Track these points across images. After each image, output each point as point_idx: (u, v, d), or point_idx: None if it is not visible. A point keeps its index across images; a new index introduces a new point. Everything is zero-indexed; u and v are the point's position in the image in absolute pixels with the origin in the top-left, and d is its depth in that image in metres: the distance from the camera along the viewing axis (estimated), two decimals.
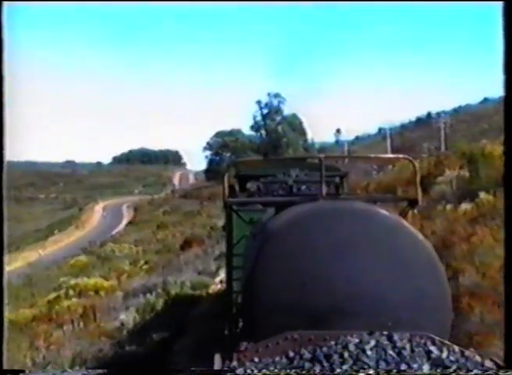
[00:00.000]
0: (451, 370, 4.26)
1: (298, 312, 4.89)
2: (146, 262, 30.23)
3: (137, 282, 23.61)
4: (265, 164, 10.44)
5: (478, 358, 4.48)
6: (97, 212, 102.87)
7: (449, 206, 17.45)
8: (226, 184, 6.12)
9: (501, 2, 4.71)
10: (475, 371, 4.24)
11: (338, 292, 4.91)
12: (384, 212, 5.29)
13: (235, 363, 4.53)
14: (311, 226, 5.12)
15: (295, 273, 4.97)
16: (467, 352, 4.52)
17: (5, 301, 4.85)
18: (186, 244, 32.00)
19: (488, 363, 4.41)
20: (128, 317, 15.92)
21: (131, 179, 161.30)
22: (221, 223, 37.12)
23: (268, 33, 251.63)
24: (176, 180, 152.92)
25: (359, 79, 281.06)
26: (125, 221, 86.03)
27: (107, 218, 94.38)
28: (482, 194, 16.00)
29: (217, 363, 4.67)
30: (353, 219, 5.16)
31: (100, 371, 7.69)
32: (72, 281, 24.45)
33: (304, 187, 8.08)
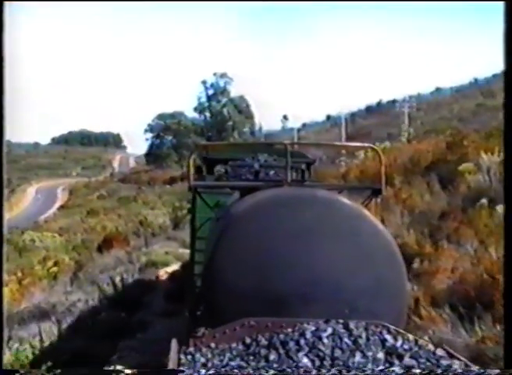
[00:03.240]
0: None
1: (257, 297, 4.87)
2: (55, 264, 23.25)
3: (35, 295, 19.02)
4: (232, 148, 10.59)
5: (430, 346, 4.54)
6: (29, 195, 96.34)
7: (500, 207, 11.13)
8: (191, 167, 6.14)
9: (502, 2, 4.56)
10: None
11: (297, 278, 4.93)
12: (345, 200, 5.35)
13: (191, 349, 4.53)
14: (273, 211, 5.12)
15: (254, 258, 4.96)
16: (420, 341, 4.61)
17: (4, 301, 4.71)
18: (106, 244, 24.46)
19: (439, 352, 4.47)
20: None
21: (69, 160, 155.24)
22: (151, 216, 30.18)
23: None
24: (115, 163, 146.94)
25: (305, 65, 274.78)
26: (57, 205, 79.79)
27: (39, 201, 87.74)
28: None
29: (173, 348, 4.56)
30: (315, 206, 5.17)
31: None
32: None
33: (272, 173, 7.92)
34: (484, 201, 12.07)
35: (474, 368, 4.33)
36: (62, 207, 75.21)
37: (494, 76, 71.66)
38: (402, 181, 15.59)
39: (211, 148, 11.38)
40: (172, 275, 15.43)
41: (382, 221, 6.21)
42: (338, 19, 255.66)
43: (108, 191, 76.80)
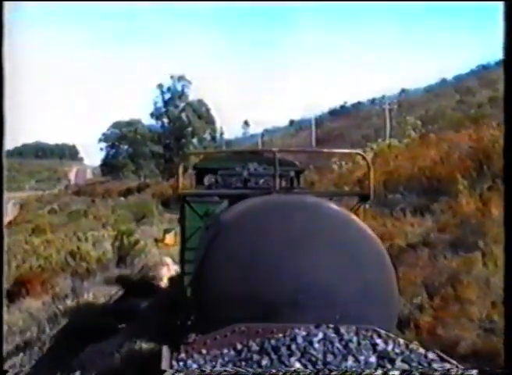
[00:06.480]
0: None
1: (247, 304, 4.83)
2: None
3: None
4: (221, 157, 10.60)
5: (421, 350, 4.52)
6: None
7: None
8: (180, 176, 6.05)
9: (501, 2, 4.51)
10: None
11: (287, 284, 4.89)
12: (334, 206, 5.36)
13: (183, 355, 4.46)
14: (262, 218, 5.09)
15: (244, 264, 4.91)
16: (411, 345, 4.58)
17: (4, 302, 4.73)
18: (19, 286, 17.34)
19: (431, 355, 4.45)
20: None
21: (23, 174, 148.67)
22: (88, 244, 22.94)
23: None
24: (71, 176, 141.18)
25: (265, 69, 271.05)
26: (6, 220, 72.50)
27: None
28: None
29: (165, 355, 4.50)
30: (304, 213, 5.14)
31: None
32: None
33: (261, 181, 7.72)
34: None
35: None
36: (9, 223, 68.97)
37: (467, 74, 70.63)
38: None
39: (199, 156, 11.56)
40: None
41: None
42: (296, 22, 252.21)
43: (60, 205, 71.30)
